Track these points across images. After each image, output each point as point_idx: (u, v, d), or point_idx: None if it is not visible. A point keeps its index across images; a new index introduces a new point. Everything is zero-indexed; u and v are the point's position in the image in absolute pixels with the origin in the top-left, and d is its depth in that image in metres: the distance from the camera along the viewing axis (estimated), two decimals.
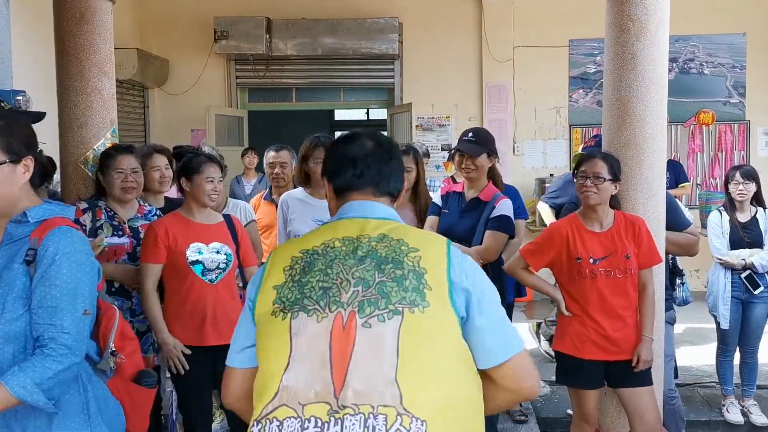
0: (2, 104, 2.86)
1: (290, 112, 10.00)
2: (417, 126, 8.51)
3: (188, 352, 3.05)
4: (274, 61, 8.68)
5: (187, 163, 3.19)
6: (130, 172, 3.20)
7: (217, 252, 3.13)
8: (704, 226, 5.24)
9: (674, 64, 8.21)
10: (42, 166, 1.93)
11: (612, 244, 3.04)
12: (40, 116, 2.68)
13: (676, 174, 6.97)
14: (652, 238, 3.13)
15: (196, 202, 3.16)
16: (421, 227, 3.75)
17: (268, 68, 8.76)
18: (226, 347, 3.02)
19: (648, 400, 3.07)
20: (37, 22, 4.68)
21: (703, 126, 8.31)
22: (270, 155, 4.41)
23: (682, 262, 4.12)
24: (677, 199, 4.18)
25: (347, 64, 8.77)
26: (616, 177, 3.10)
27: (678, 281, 3.95)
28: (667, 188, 5.03)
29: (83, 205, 3.21)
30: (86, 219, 3.15)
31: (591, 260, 3.02)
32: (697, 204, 7.55)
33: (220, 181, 3.17)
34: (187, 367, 3.05)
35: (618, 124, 3.38)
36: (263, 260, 4.01)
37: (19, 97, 3.10)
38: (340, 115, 13.79)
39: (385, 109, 9.24)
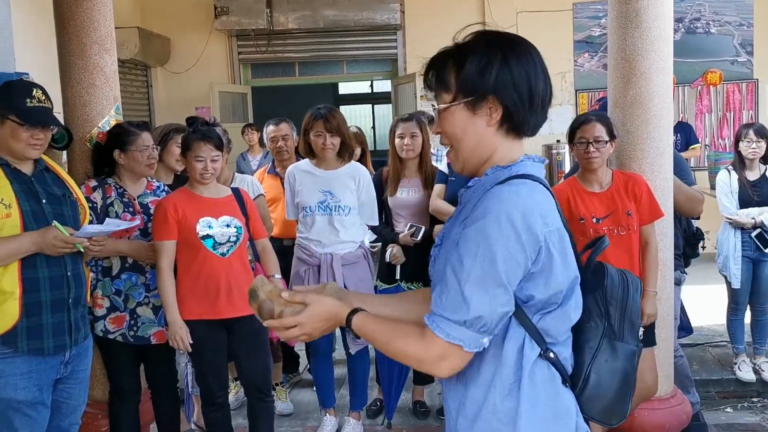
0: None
1: (294, 87, 9.95)
2: (422, 96, 8.43)
3: (190, 342, 3.05)
4: (275, 36, 8.62)
5: (183, 140, 3.20)
6: (152, 149, 3.24)
7: (227, 225, 3.14)
8: (713, 187, 5.20)
9: (680, 24, 8.10)
10: None
11: (612, 203, 3.04)
12: None
13: (686, 135, 6.91)
14: (652, 193, 3.12)
15: (192, 179, 3.17)
16: (429, 194, 3.75)
17: (270, 43, 8.70)
18: (240, 319, 3.12)
19: (649, 362, 3.07)
20: (36, 1, 4.66)
21: (711, 86, 8.22)
22: (270, 129, 4.40)
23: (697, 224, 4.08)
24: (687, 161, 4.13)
25: (349, 36, 8.69)
26: (613, 136, 3.11)
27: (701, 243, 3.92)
28: (678, 150, 5.02)
29: (93, 183, 3.21)
30: (96, 197, 3.15)
31: (594, 220, 3.02)
32: (706, 165, 7.50)
33: (214, 159, 3.09)
34: (189, 350, 3.07)
35: (623, 83, 3.34)
36: (272, 233, 4.07)
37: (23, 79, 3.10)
38: (344, 88, 13.72)
39: (389, 81, 9.19)
